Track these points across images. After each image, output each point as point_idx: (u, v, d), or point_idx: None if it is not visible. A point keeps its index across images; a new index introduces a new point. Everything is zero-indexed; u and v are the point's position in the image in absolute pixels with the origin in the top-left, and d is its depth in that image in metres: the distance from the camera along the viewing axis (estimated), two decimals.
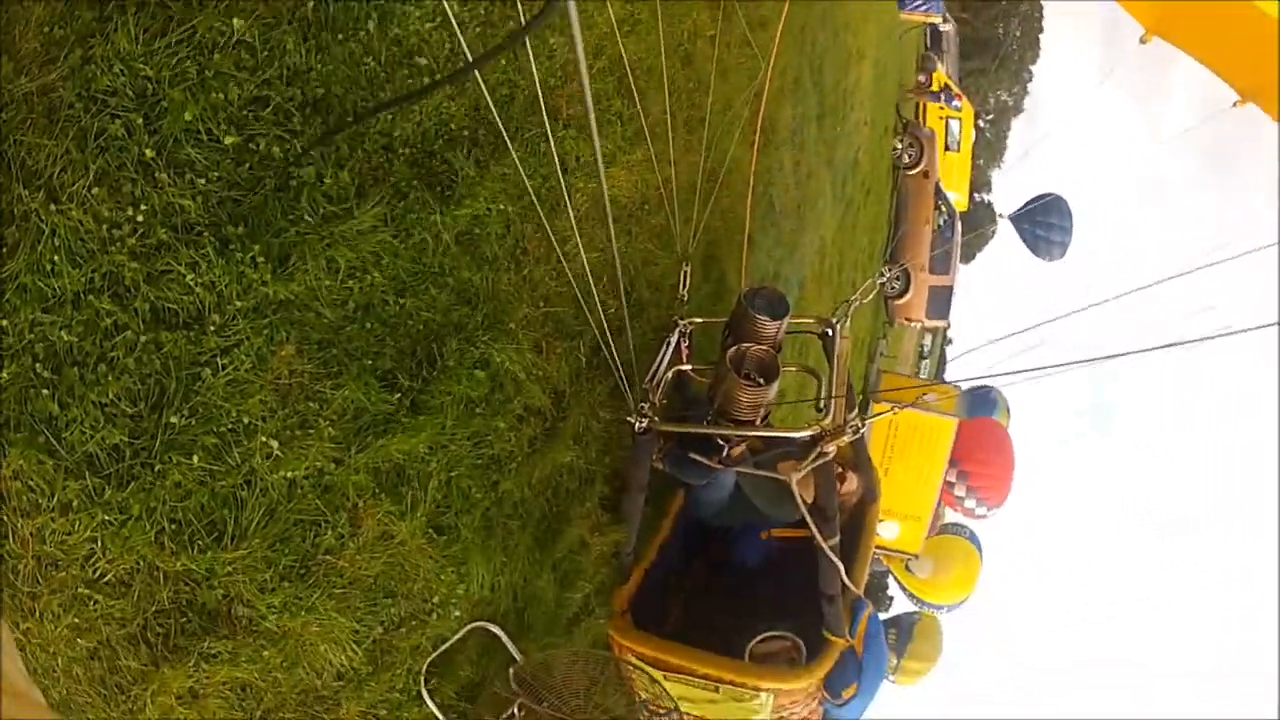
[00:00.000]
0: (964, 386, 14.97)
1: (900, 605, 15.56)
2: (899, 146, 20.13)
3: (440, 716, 4.18)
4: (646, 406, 4.38)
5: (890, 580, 16.47)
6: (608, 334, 4.12)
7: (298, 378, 3.25)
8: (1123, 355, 4.26)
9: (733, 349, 4.36)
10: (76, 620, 2.83)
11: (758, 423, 4.45)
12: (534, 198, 3.57)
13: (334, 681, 3.64)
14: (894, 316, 21.31)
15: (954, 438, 11.19)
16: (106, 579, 2.86)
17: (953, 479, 13.80)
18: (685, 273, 5.02)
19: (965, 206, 24.50)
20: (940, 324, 23.17)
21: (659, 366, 4.63)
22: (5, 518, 2.67)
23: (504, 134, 3.38)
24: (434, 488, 3.79)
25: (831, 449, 4.21)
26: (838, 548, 4.71)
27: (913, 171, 19.92)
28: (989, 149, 58.14)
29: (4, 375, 2.62)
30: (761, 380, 4.33)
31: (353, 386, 3.40)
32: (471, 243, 3.91)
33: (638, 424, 4.35)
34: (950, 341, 38.20)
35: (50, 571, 2.77)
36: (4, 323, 2.61)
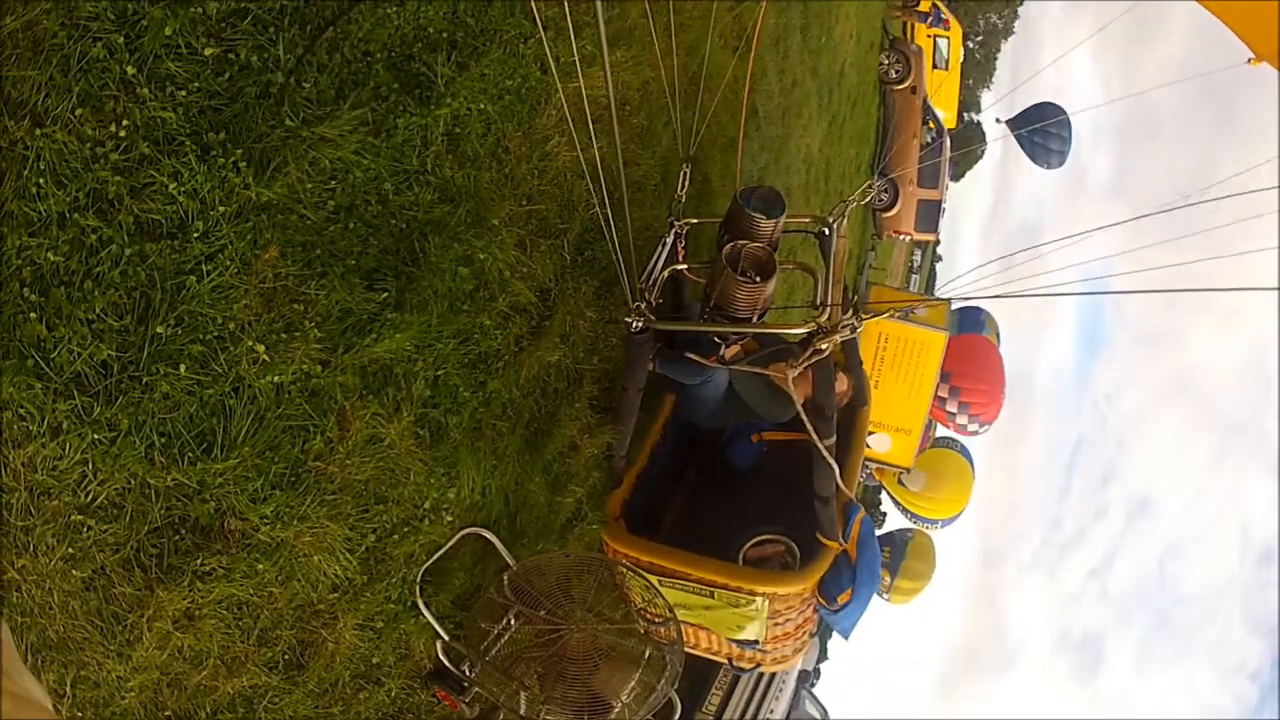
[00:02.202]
0: (954, 303, 14.94)
1: (895, 522, 15.63)
2: (885, 62, 19.88)
3: (436, 626, 4.18)
4: (643, 305, 4.30)
5: (884, 496, 16.56)
6: (610, 220, 4.03)
7: (282, 280, 3.19)
8: (1119, 293, 4.32)
9: (729, 245, 4.29)
10: (70, 550, 2.82)
11: (754, 320, 4.40)
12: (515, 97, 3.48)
13: (329, 594, 3.65)
14: (883, 229, 21.22)
15: (944, 352, 11.16)
16: (98, 502, 2.85)
17: (945, 395, 13.83)
18: (685, 173, 4.90)
19: (954, 124, 24.30)
20: (929, 237, 23.07)
21: (655, 265, 4.55)
22: None
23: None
24: (421, 387, 3.75)
25: (827, 346, 4.15)
26: (834, 449, 4.68)
27: (900, 87, 19.70)
28: (979, 69, 57.84)
29: None
30: (759, 278, 4.27)
31: (337, 286, 3.36)
32: (452, 142, 3.84)
33: (635, 323, 4.28)
34: (940, 259, 38.26)
35: (43, 501, 2.75)
36: None
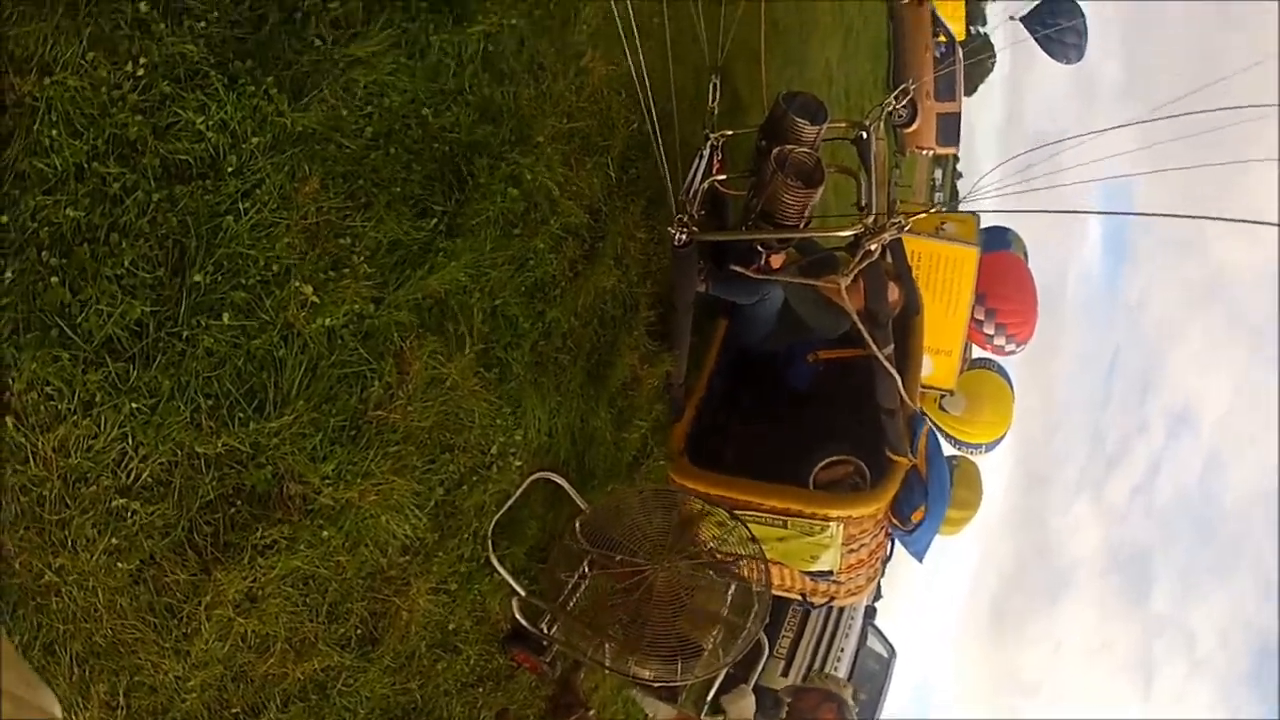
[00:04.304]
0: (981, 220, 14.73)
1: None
2: None
3: (512, 582, 4.03)
4: (685, 218, 4.12)
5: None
6: (657, 131, 3.89)
7: (325, 215, 2.99)
8: (1143, 215, 4.36)
9: (778, 150, 4.10)
10: (114, 541, 2.59)
11: (800, 228, 4.23)
12: None
13: (400, 557, 3.48)
14: (905, 145, 21.03)
15: (977, 269, 10.99)
16: (141, 481, 2.61)
17: (981, 316, 13.63)
18: (715, 85, 4.73)
19: (963, 35, 23.87)
20: (951, 150, 22.87)
21: (694, 178, 4.37)
22: (24, 439, 2.41)
23: None
24: (479, 320, 3.57)
25: (876, 246, 3.99)
26: (892, 357, 4.51)
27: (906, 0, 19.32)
28: None
29: (8, 275, 2.36)
30: (805, 183, 4.09)
31: (384, 217, 3.16)
32: (487, 60, 3.64)
33: (678, 235, 4.10)
34: (960, 175, 37.86)
35: (79, 488, 2.51)
36: (3, 218, 2.36)
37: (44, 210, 2.41)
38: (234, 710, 3.02)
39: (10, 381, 2.38)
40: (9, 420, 2.38)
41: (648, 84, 3.76)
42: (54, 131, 2.42)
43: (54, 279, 2.42)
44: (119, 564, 2.61)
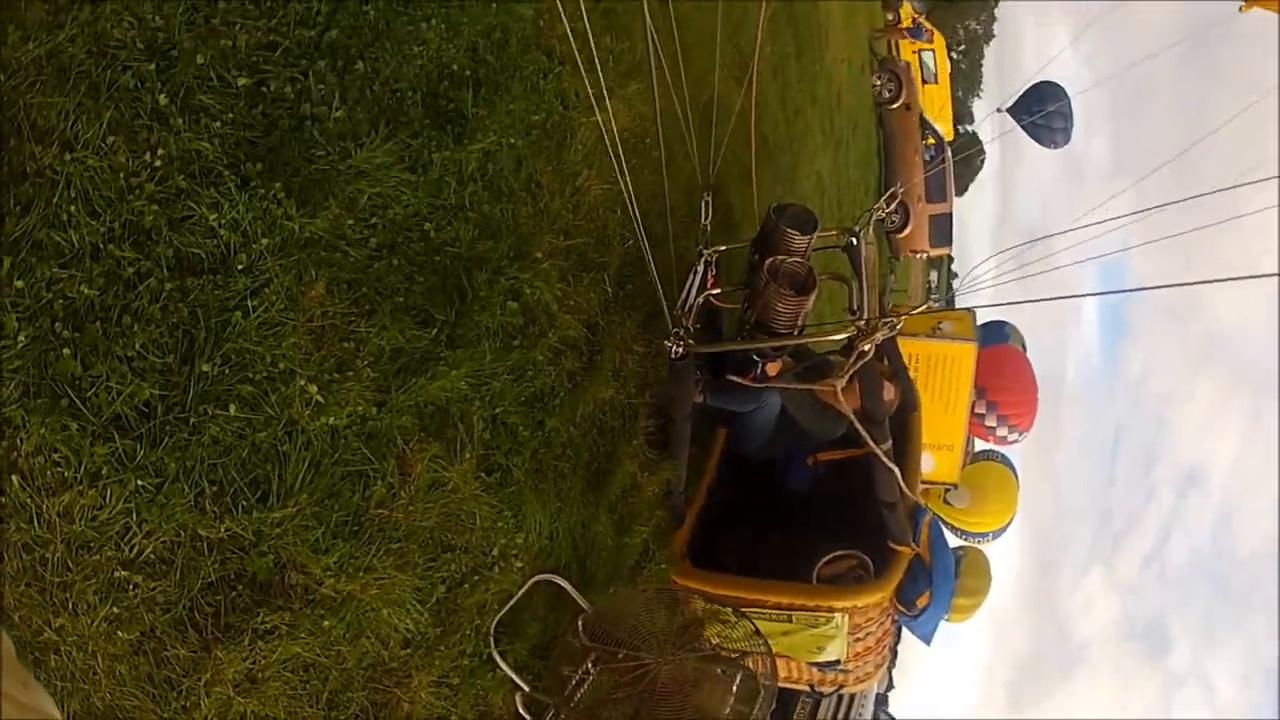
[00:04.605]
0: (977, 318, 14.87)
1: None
2: (878, 83, 20.06)
3: (515, 677, 4.06)
4: (681, 331, 4.28)
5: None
6: (647, 248, 4.06)
7: (330, 319, 3.13)
8: (1137, 290, 4.28)
9: (770, 260, 4.28)
10: (115, 610, 2.61)
11: (794, 335, 4.38)
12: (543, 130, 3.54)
13: (401, 650, 3.50)
14: (899, 250, 21.25)
15: (975, 363, 11.10)
16: (145, 556, 2.66)
17: (982, 410, 13.67)
18: (706, 202, 4.95)
19: (951, 136, 24.41)
20: (944, 251, 23.12)
21: (689, 293, 4.54)
22: (29, 499, 2.47)
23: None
24: (480, 427, 3.68)
25: (870, 347, 4.13)
26: (891, 453, 4.61)
27: (894, 106, 19.83)
28: (965, 78, 58.31)
29: (21, 339, 2.45)
30: (798, 292, 4.26)
31: (388, 324, 3.29)
32: (487, 178, 3.83)
33: (674, 348, 4.25)
34: (956, 275, 38.25)
35: (82, 555, 2.56)
36: (20, 283, 2.46)
37: (59, 283, 2.50)
38: None
39: (19, 442, 2.44)
40: (15, 479, 2.43)
41: (635, 203, 3.90)
42: (73, 208, 2.53)
43: (66, 351, 2.49)
44: (119, 633, 2.63)
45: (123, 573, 2.63)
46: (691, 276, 4.66)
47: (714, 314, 5.10)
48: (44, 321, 2.49)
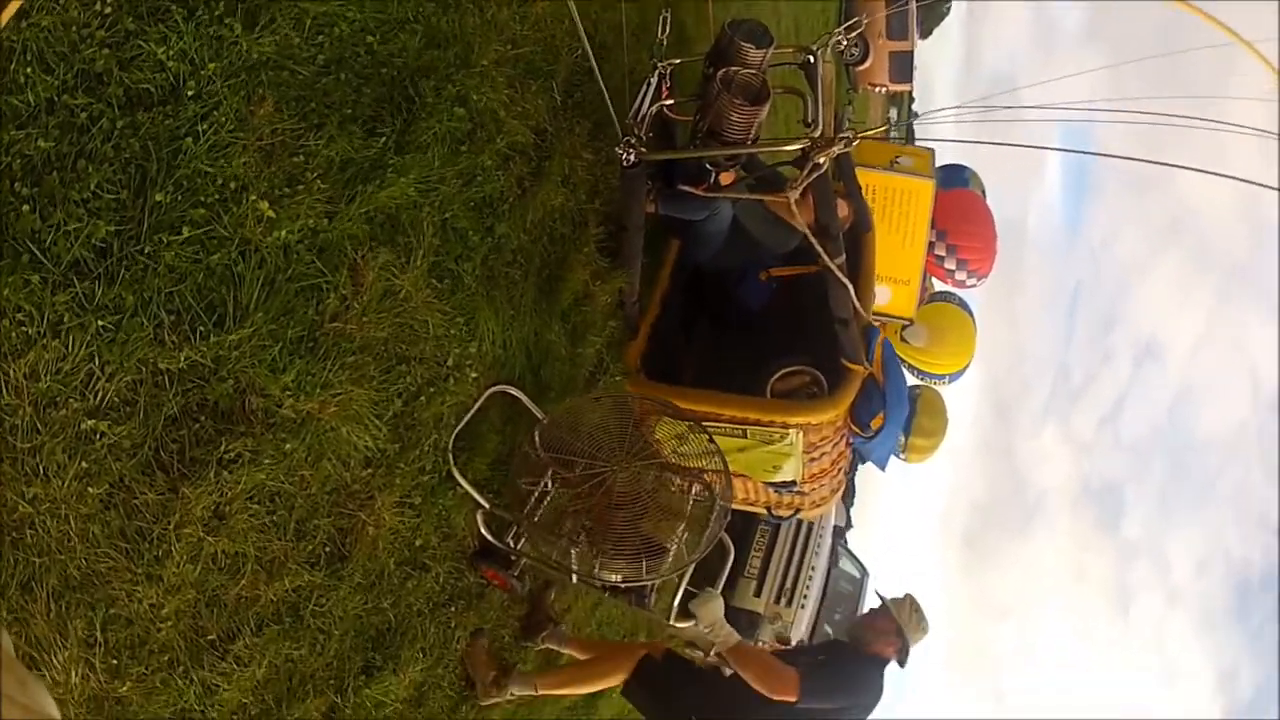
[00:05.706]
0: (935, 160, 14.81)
1: None
2: None
3: (475, 494, 4.14)
4: (633, 139, 4.23)
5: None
6: (591, 55, 4.02)
7: (280, 136, 3.07)
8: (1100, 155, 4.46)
9: (724, 70, 4.21)
10: (84, 465, 2.64)
11: (748, 144, 4.33)
12: None
13: (363, 470, 3.57)
14: (857, 83, 21.11)
15: (933, 202, 11.10)
16: (109, 400, 2.68)
17: (942, 253, 13.76)
18: (665, 17, 4.79)
19: None
20: (904, 88, 23.03)
21: (642, 102, 4.47)
22: None
23: None
24: (430, 232, 3.66)
25: (824, 160, 4.11)
26: (844, 267, 4.65)
27: None
28: None
29: None
30: (753, 101, 4.20)
31: (336, 136, 3.25)
32: None
33: (625, 156, 4.21)
34: (916, 115, 37.91)
35: (49, 413, 2.57)
36: None
37: (18, 144, 2.47)
38: (210, 637, 3.08)
39: None
40: None
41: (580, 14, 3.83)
42: (29, 69, 2.47)
43: (25, 207, 2.48)
44: (90, 488, 2.67)
45: (89, 422, 2.65)
46: (645, 87, 4.57)
47: (668, 126, 5.05)
48: (4, 184, 2.46)
